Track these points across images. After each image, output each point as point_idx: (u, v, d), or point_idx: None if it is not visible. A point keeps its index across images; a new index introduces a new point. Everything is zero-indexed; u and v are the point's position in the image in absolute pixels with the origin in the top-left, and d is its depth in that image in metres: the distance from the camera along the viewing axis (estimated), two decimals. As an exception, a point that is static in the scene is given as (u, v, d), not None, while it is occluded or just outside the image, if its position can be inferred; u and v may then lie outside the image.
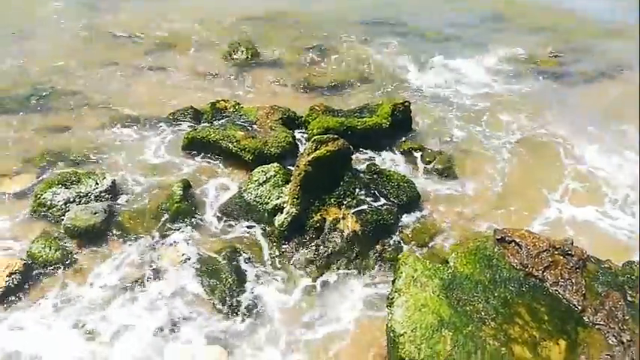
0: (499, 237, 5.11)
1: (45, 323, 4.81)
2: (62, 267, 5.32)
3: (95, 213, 5.62)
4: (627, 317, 4.47)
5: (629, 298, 4.66)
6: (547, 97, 9.73)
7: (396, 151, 7.40)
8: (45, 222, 5.83)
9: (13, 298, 5.00)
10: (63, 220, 5.68)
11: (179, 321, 4.90)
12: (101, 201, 5.92)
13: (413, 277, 4.72)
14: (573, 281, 4.76)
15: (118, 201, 6.16)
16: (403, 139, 7.72)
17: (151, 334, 4.78)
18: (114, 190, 6.20)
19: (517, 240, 5.06)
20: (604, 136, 8.27)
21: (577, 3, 15.43)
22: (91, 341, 4.68)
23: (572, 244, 5.04)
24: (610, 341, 4.34)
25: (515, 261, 4.90)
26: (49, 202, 5.88)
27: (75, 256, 5.45)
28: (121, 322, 4.85)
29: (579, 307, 4.54)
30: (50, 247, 5.38)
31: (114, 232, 5.69)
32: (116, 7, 14.16)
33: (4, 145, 7.33)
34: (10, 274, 5.03)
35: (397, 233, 5.87)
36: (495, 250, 5.03)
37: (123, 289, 5.16)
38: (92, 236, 5.57)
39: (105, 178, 6.22)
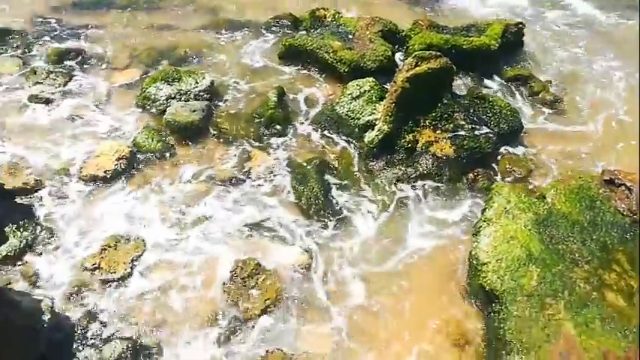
0: (607, 178, 4.71)
1: (143, 206, 5.25)
2: (161, 158, 5.67)
3: (194, 111, 5.85)
4: None
5: None
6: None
7: (502, 77, 6.88)
8: (149, 114, 6.18)
9: (119, 180, 5.44)
10: (165, 114, 5.97)
11: (264, 219, 5.14)
12: (200, 100, 6.12)
13: (505, 208, 4.53)
14: (687, 235, 4.35)
15: (215, 102, 6.34)
16: (511, 64, 7.13)
17: (236, 228, 5.08)
18: (212, 91, 6.37)
19: (628, 184, 4.64)
20: None
21: None
22: (176, 227, 5.08)
23: (693, 195, 4.55)
24: None
25: (623, 206, 4.52)
26: (152, 96, 6.19)
27: (173, 149, 5.77)
28: (209, 213, 5.18)
29: (689, 263, 4.17)
30: (152, 139, 5.72)
31: (210, 130, 5.91)
32: None
33: (115, 40, 7.69)
34: (119, 158, 5.45)
35: (493, 163, 5.58)
36: (600, 191, 4.66)
37: (215, 185, 5.44)
38: (190, 133, 5.83)
39: (204, 78, 6.39)
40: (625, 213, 4.45)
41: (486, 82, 6.80)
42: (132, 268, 4.77)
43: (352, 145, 5.79)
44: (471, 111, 5.84)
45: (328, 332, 4.46)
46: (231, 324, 4.46)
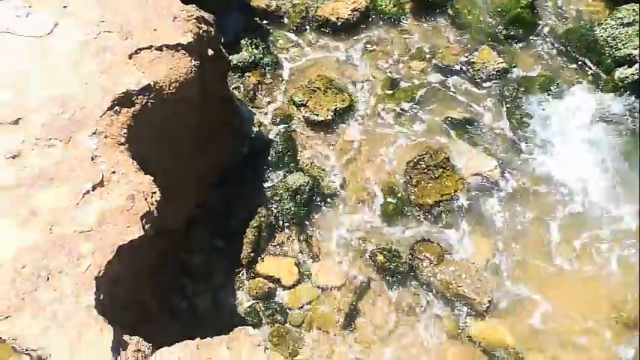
0: None
1: (366, 69, 5.38)
2: (393, 24, 5.59)
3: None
4: None
5: None
6: None
7: None
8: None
9: (347, 32, 5.54)
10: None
11: (471, 120, 5.01)
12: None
13: None
14: None
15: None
16: None
17: (441, 120, 5.03)
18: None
19: None
20: None
21: None
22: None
23: None
24: None
25: None
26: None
27: (408, 18, 5.62)
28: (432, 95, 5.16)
29: None
30: (391, 1, 5.63)
31: (448, 12, 5.56)
32: None
33: None
34: (354, 10, 5.51)
35: None
36: None
37: (434, 67, 5.33)
38: (428, 7, 5.58)
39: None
40: None
41: None
42: (333, 117, 5.06)
43: (593, 76, 5.11)
44: None
45: (491, 243, 4.42)
46: (401, 203, 4.64)
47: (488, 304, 4.06)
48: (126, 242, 2.64)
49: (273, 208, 4.58)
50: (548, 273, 4.25)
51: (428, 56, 5.38)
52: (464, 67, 5.30)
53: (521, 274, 4.27)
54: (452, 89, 5.17)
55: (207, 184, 4.37)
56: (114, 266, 2.56)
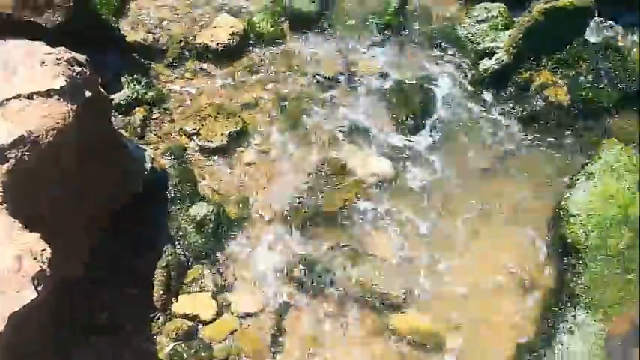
0: None
1: (238, 91, 5.41)
2: (272, 43, 5.71)
3: (313, 1, 5.76)
4: None
5: None
6: None
7: (646, 29, 6.23)
8: (269, -4, 6.15)
9: (228, 56, 5.56)
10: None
11: (360, 126, 5.21)
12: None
13: (612, 166, 4.32)
14: None
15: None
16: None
17: (333, 130, 5.19)
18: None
19: None
20: None
21: None
22: (274, 115, 5.26)
23: None
24: None
25: None
26: (274, -21, 6.13)
27: (285, 36, 5.78)
28: (303, 108, 5.30)
29: None
30: (267, 22, 5.74)
31: (324, 25, 5.81)
32: None
33: None
34: (233, 34, 5.55)
35: (608, 121, 5.23)
36: None
37: (315, 81, 5.50)
38: (305, 23, 5.77)
39: (328, -30, 6.21)
40: None
41: (627, 32, 6.17)
42: (227, 142, 5.05)
43: (462, 70, 5.58)
44: (599, 61, 5.40)
45: (398, 242, 4.63)
46: (308, 215, 4.72)
47: (404, 296, 4.25)
48: (18, 309, 2.44)
49: (179, 245, 4.47)
50: (459, 260, 4.52)
51: (311, 71, 5.54)
52: (346, 77, 5.52)
53: (432, 261, 4.51)
54: (337, 100, 5.37)
55: (101, 228, 4.16)
56: (7, 336, 2.36)
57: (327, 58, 5.63)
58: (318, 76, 5.51)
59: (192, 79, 5.44)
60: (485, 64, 5.33)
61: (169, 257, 4.35)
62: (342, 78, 5.51)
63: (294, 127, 5.19)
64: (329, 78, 5.49)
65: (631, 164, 4.31)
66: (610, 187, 4.20)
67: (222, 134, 5.06)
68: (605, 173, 4.28)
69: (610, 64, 5.39)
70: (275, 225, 4.66)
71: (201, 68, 5.51)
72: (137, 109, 5.17)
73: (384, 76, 5.51)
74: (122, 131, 4.94)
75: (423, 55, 5.73)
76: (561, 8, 4.99)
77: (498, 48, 5.29)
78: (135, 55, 5.47)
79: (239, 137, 5.09)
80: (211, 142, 5.04)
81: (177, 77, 5.46)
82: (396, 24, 5.80)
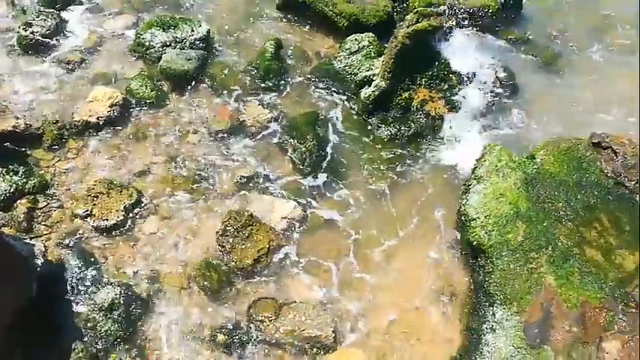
0: (595, 141, 4.80)
1: (134, 155, 5.27)
2: (155, 106, 5.63)
3: (189, 59, 5.77)
4: None
5: None
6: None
7: (499, 38, 6.85)
8: (143, 61, 6.07)
9: (112, 128, 5.41)
10: (160, 62, 5.87)
11: (258, 173, 5.19)
12: (195, 49, 6.02)
13: (496, 166, 4.62)
14: (669, 198, 4.50)
15: (211, 51, 6.24)
16: (511, 25, 7.07)
17: (233, 183, 5.13)
18: (208, 40, 6.25)
19: (614, 147, 4.73)
20: None
21: None
22: (168, 177, 5.15)
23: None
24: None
25: (608, 168, 4.63)
26: (147, 43, 6.07)
27: (167, 98, 5.73)
28: (202, 164, 5.24)
29: (668, 225, 4.33)
30: (146, 86, 5.66)
31: (205, 80, 5.84)
32: None
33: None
34: (112, 105, 5.39)
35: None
36: (588, 154, 4.77)
37: (207, 135, 5.45)
38: (184, 81, 5.77)
39: (200, 26, 6.25)
40: (609, 174, 4.57)
41: (485, 41, 6.76)
42: (124, 216, 4.82)
43: (347, 101, 5.79)
44: (468, 71, 5.86)
45: (318, 283, 4.61)
46: (223, 274, 4.57)
47: (333, 335, 4.20)
48: None
49: (91, 336, 4.13)
50: (378, 286, 4.56)
51: (199, 127, 5.50)
52: (236, 128, 5.53)
53: (355, 295, 4.52)
54: (232, 151, 5.34)
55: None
56: None
57: (215, 112, 5.62)
58: (206, 132, 5.47)
59: (75, 158, 5.17)
60: (366, 92, 5.56)
61: (81, 354, 4.00)
62: (232, 129, 5.50)
63: (191, 188, 5.07)
64: (219, 131, 5.46)
65: (512, 161, 4.64)
66: (499, 186, 4.48)
67: (117, 210, 4.82)
68: (492, 174, 4.57)
69: (476, 73, 5.88)
70: (190, 293, 4.46)
71: (83, 146, 5.27)
72: (19, 201, 4.81)
73: (273, 120, 5.59)
74: (6, 229, 4.56)
75: (307, 93, 5.90)
76: (421, 30, 5.35)
77: (375, 75, 5.56)
78: (7, 144, 5.12)
79: (136, 207, 4.88)
80: (107, 220, 4.77)
81: (59, 160, 5.17)
82: (276, 68, 5.94)
